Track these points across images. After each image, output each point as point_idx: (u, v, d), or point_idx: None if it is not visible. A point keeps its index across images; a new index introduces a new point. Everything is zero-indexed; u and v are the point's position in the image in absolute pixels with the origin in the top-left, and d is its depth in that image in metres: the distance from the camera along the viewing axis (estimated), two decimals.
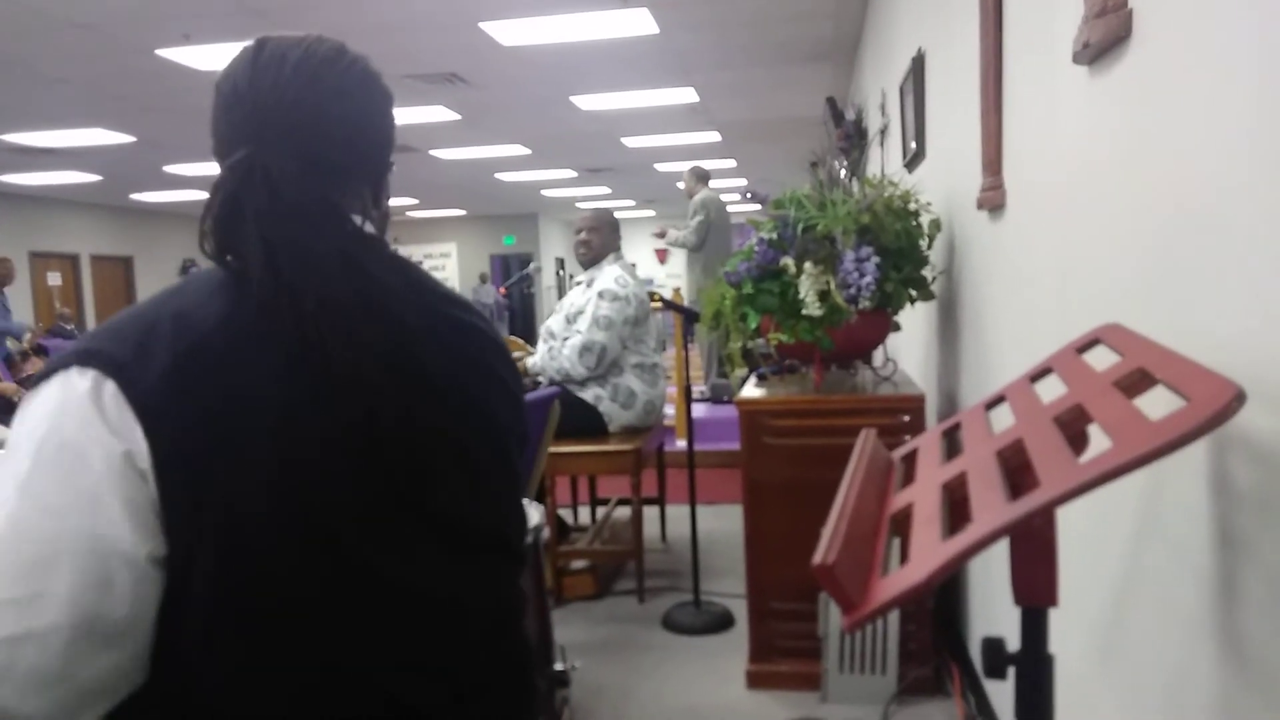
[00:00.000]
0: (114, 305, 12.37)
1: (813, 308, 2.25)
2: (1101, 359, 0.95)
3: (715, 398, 6.16)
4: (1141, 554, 1.14)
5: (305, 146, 0.86)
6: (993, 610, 2.07)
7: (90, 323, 12.02)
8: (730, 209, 6.52)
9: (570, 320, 3.36)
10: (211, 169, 0.93)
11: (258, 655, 0.78)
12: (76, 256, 12.29)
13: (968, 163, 2.09)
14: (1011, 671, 0.84)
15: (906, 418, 2.31)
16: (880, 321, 2.41)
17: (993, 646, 0.84)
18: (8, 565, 0.70)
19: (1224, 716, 0.91)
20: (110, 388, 0.74)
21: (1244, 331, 0.85)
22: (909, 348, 3.45)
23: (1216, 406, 0.66)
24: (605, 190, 13.87)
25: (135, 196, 11.91)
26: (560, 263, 18.76)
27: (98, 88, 6.07)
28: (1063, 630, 1.09)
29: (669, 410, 4.78)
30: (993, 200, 1.82)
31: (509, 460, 0.98)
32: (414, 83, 6.23)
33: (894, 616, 2.36)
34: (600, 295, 3.30)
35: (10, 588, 0.70)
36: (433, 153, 9.39)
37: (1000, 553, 0.81)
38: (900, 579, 0.72)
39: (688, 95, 7.10)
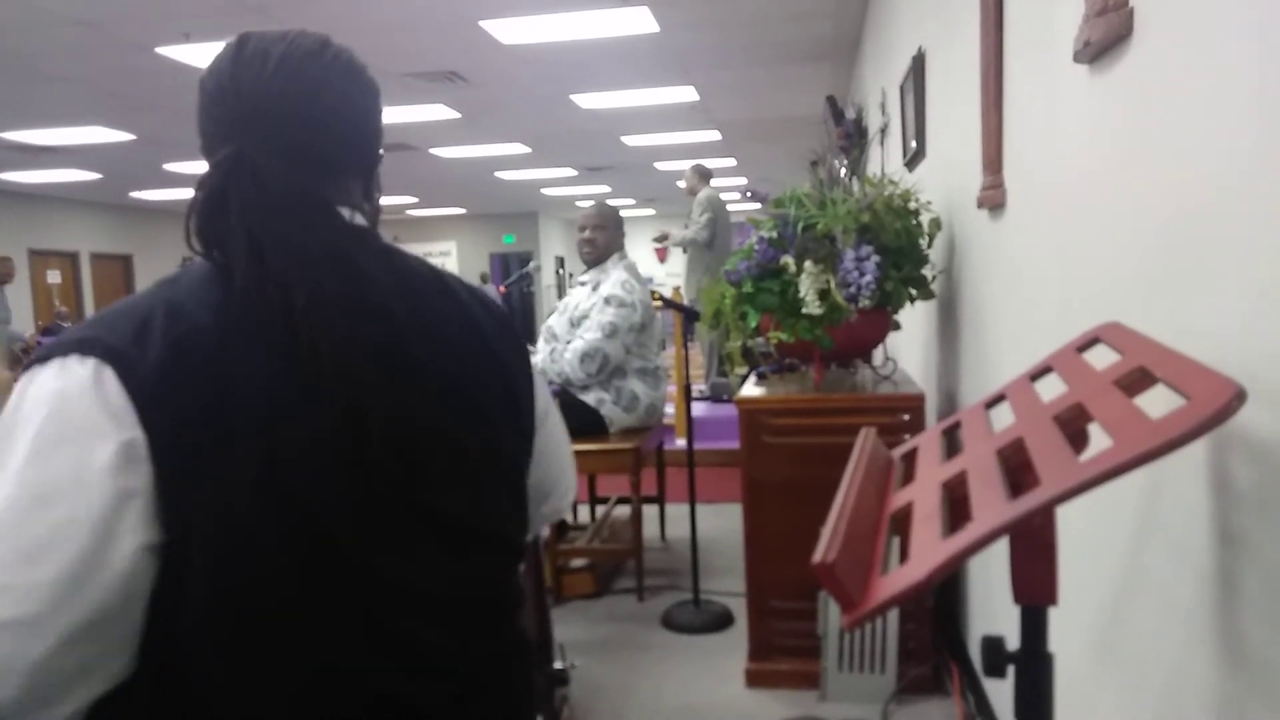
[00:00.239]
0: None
1: (813, 306, 2.25)
2: (1101, 358, 0.95)
3: (715, 396, 6.16)
4: (1141, 553, 1.14)
5: (291, 140, 0.86)
6: (992, 609, 2.07)
7: None
8: (730, 208, 6.51)
9: (574, 323, 3.31)
10: None
11: (254, 653, 0.78)
12: (76, 254, 12.28)
13: (968, 162, 2.09)
14: (1011, 670, 0.84)
15: (906, 416, 2.31)
16: (880, 320, 2.41)
17: (992, 645, 0.84)
18: None
19: (1223, 715, 0.91)
20: (110, 375, 0.74)
21: (1244, 331, 0.85)
22: (909, 347, 3.45)
23: (1217, 405, 0.66)
24: (605, 189, 13.88)
25: (135, 194, 11.90)
26: (560, 261, 18.76)
27: (98, 86, 6.07)
28: (1062, 629, 1.09)
29: (669, 409, 4.78)
30: (993, 199, 1.82)
31: (506, 453, 0.97)
32: (414, 81, 6.23)
33: (893, 615, 2.36)
34: (607, 301, 3.25)
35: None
36: (432, 151, 9.39)
37: (1000, 551, 0.81)
38: (900, 577, 0.72)
39: (688, 94, 7.09)
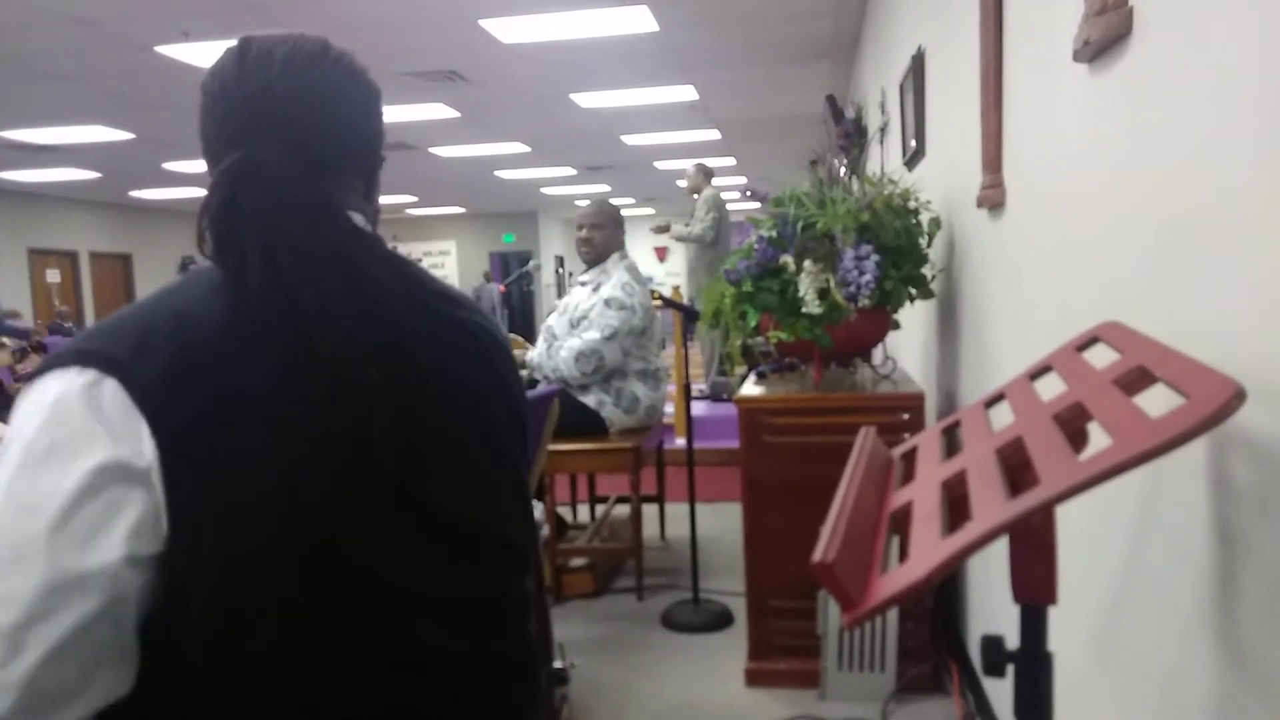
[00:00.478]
0: (113, 302, 12.36)
1: (812, 306, 2.25)
2: (1101, 357, 0.95)
3: (715, 395, 6.16)
4: (1141, 552, 1.14)
5: (296, 141, 0.86)
6: (991, 608, 2.07)
7: (89, 320, 12.01)
8: (730, 207, 6.51)
9: (574, 324, 3.30)
10: None
11: (257, 656, 0.78)
12: (75, 254, 12.28)
13: (967, 161, 2.09)
14: (1010, 669, 0.84)
15: (906, 416, 2.31)
16: (880, 320, 2.41)
17: (992, 644, 0.84)
18: None
19: (1222, 713, 0.91)
20: (110, 386, 0.74)
21: (1243, 330, 0.85)
22: (908, 346, 3.45)
23: (1216, 404, 0.66)
24: (605, 188, 13.88)
25: (134, 193, 11.90)
26: (560, 260, 18.76)
27: (97, 84, 6.07)
28: (1062, 628, 1.09)
29: (668, 408, 4.77)
30: (992, 198, 1.82)
31: (509, 458, 0.97)
32: (413, 80, 6.23)
33: (893, 614, 2.36)
34: (607, 304, 3.23)
35: None
36: (432, 150, 9.38)
37: (999, 550, 0.81)
38: (900, 576, 0.72)
39: (687, 93, 7.09)
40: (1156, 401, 0.78)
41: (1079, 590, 1.35)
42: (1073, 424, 0.84)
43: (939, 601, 2.56)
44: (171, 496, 0.74)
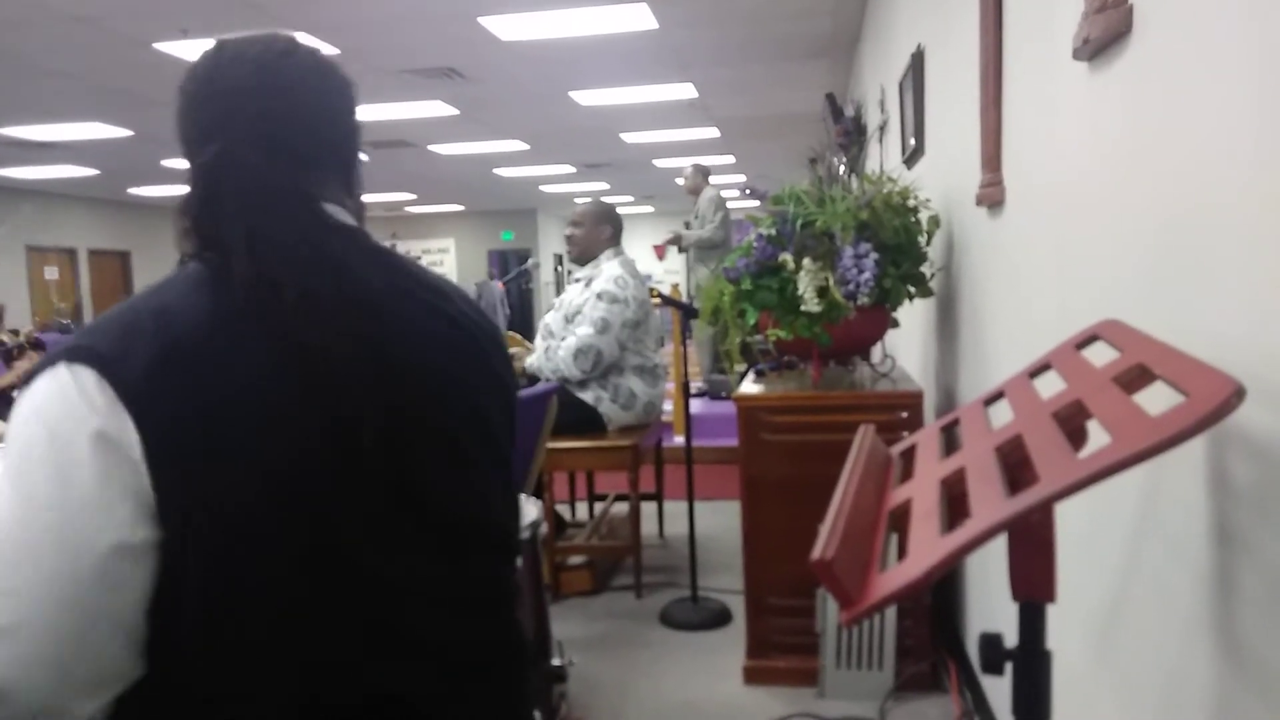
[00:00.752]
0: (111, 300, 12.34)
1: (811, 304, 2.25)
2: (1100, 355, 0.95)
3: (713, 393, 6.16)
4: (1140, 550, 1.14)
5: (272, 135, 0.87)
6: (990, 606, 2.07)
7: (88, 317, 12.01)
8: (728, 205, 6.51)
9: (569, 319, 3.31)
10: None
11: (252, 648, 0.78)
12: (74, 251, 12.26)
13: (967, 159, 2.09)
14: (1009, 667, 0.84)
15: (905, 414, 2.31)
16: (879, 318, 2.41)
17: (990, 642, 0.84)
18: None
19: (1220, 711, 0.91)
20: (96, 379, 0.75)
21: (1243, 328, 0.85)
22: (907, 344, 3.45)
23: (1216, 402, 0.66)
24: (604, 186, 13.86)
25: (133, 191, 11.88)
26: (559, 258, 18.74)
27: (95, 81, 6.06)
28: (1060, 626, 1.09)
29: (667, 406, 4.77)
30: (992, 197, 1.82)
31: (500, 450, 0.98)
32: (412, 77, 6.22)
33: (891, 612, 2.36)
34: (599, 297, 3.24)
35: None
36: (431, 148, 9.38)
37: (998, 548, 0.81)
38: (898, 574, 0.72)
39: (687, 91, 7.09)
40: (1156, 399, 0.78)
41: (1078, 588, 1.35)
42: (1072, 422, 0.84)
43: (937, 599, 2.56)
44: (158, 489, 0.74)
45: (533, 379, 3.33)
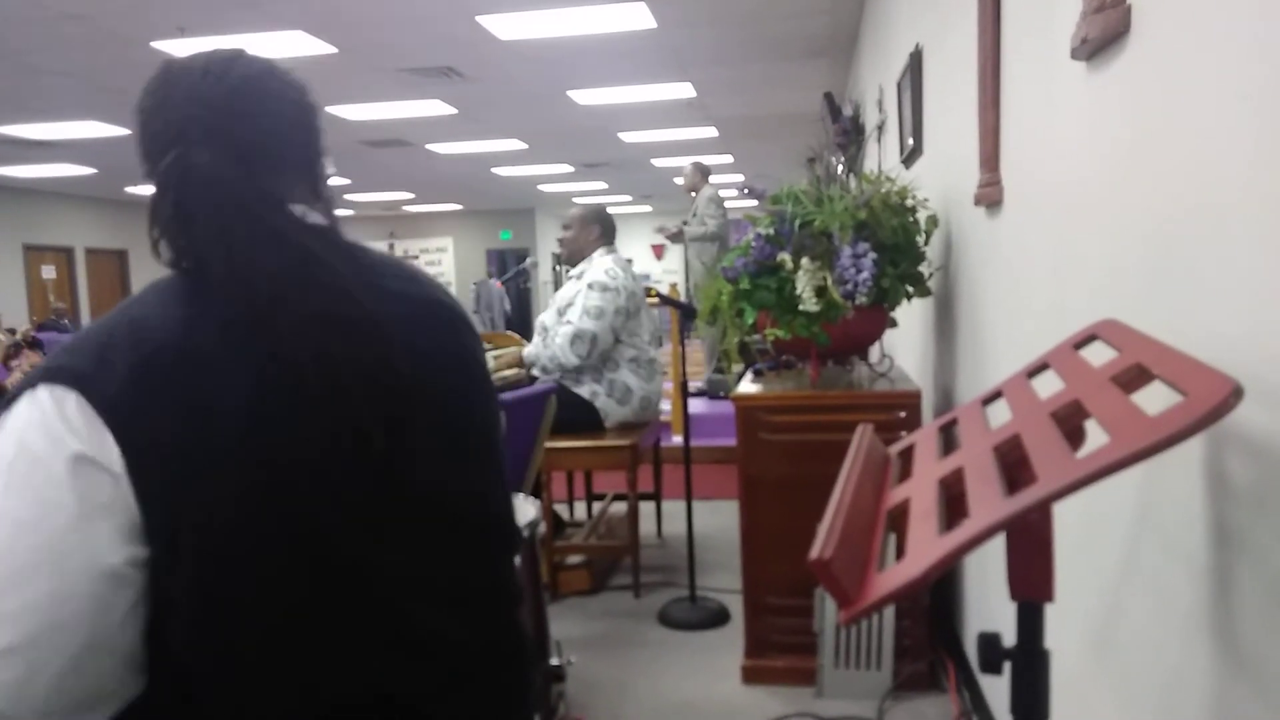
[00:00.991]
0: (109, 298, 12.33)
1: (809, 303, 2.25)
2: (1099, 355, 0.95)
3: (712, 393, 6.16)
4: (1138, 549, 1.14)
5: (229, 139, 0.87)
6: (988, 605, 2.07)
7: (85, 316, 11.99)
8: (726, 204, 6.51)
9: (562, 313, 3.37)
10: None
11: (252, 656, 0.78)
12: (71, 250, 12.25)
13: (965, 159, 2.09)
14: (1007, 667, 0.84)
15: (903, 414, 2.31)
16: (877, 317, 2.41)
17: (988, 642, 0.84)
18: None
19: (1219, 711, 0.91)
20: (74, 400, 0.75)
21: (1241, 328, 0.85)
22: (906, 344, 3.45)
23: (1214, 402, 0.66)
24: (602, 185, 13.85)
25: (130, 189, 11.86)
26: (557, 258, 18.73)
27: (92, 80, 6.05)
28: (1059, 626, 1.09)
29: (665, 405, 4.77)
30: (990, 196, 1.82)
31: (489, 439, 0.98)
32: (410, 76, 6.22)
33: (889, 612, 2.36)
34: (590, 286, 3.31)
35: None
36: (429, 147, 9.37)
37: (996, 548, 0.81)
38: (897, 574, 0.72)
39: (685, 90, 7.09)
40: (1154, 399, 0.78)
41: (1076, 588, 1.35)
42: (1070, 421, 0.84)
43: (936, 599, 2.56)
44: (143, 503, 0.74)
45: (532, 379, 3.35)
